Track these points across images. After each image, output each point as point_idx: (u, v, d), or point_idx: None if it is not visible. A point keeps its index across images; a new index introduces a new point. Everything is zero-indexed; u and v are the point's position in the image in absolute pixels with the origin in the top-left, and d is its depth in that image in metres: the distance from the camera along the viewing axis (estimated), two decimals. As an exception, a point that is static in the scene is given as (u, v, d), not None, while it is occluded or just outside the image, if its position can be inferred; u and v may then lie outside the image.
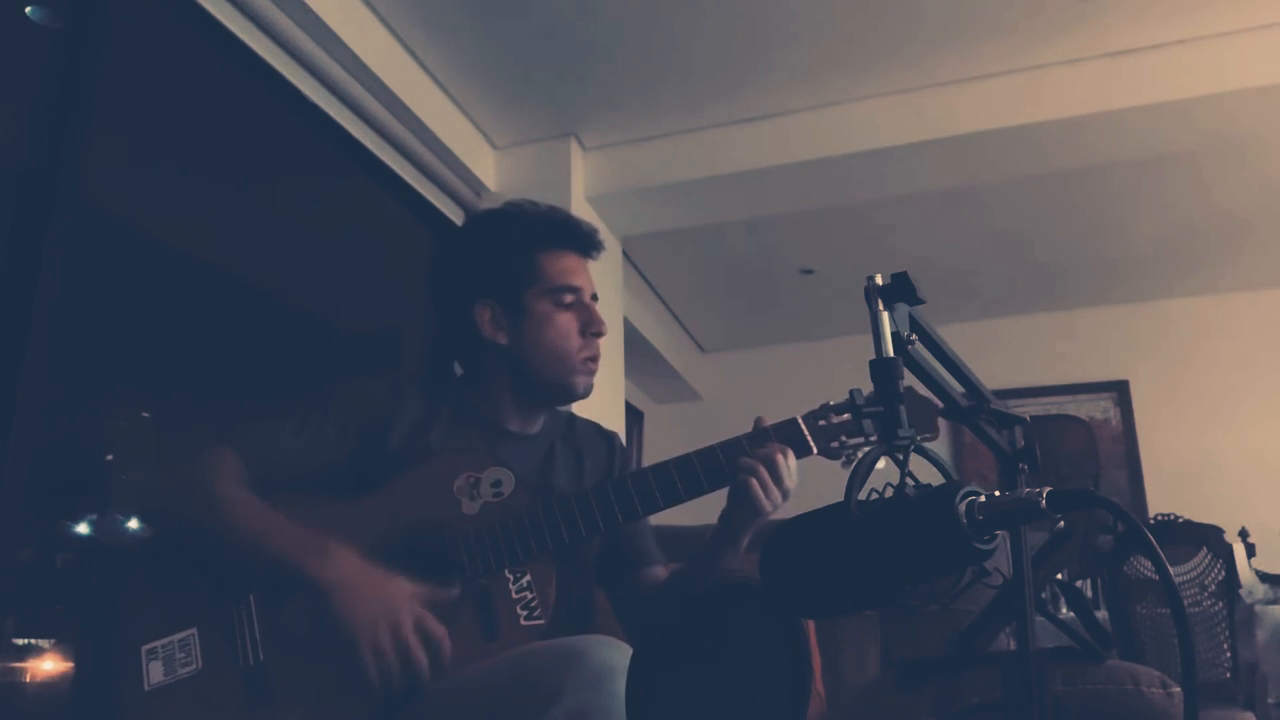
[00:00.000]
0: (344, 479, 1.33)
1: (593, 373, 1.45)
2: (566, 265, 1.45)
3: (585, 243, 1.48)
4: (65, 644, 2.03)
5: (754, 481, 1.27)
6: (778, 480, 1.28)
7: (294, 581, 1.20)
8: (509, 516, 1.28)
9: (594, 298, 1.48)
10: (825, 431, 1.33)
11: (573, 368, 1.43)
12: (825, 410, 1.34)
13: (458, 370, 1.55)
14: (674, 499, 1.30)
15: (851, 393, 1.30)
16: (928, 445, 1.00)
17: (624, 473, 1.50)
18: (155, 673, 1.19)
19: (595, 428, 1.60)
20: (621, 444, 1.60)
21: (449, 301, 1.49)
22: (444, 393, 1.47)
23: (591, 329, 1.44)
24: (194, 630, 1.22)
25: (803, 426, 1.33)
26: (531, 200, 1.52)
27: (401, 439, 1.37)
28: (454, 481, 1.31)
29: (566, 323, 1.43)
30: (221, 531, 1.23)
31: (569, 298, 1.43)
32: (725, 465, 1.30)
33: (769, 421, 1.34)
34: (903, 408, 0.81)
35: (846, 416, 1.32)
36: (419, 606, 1.19)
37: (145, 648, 1.20)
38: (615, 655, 1.06)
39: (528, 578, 1.26)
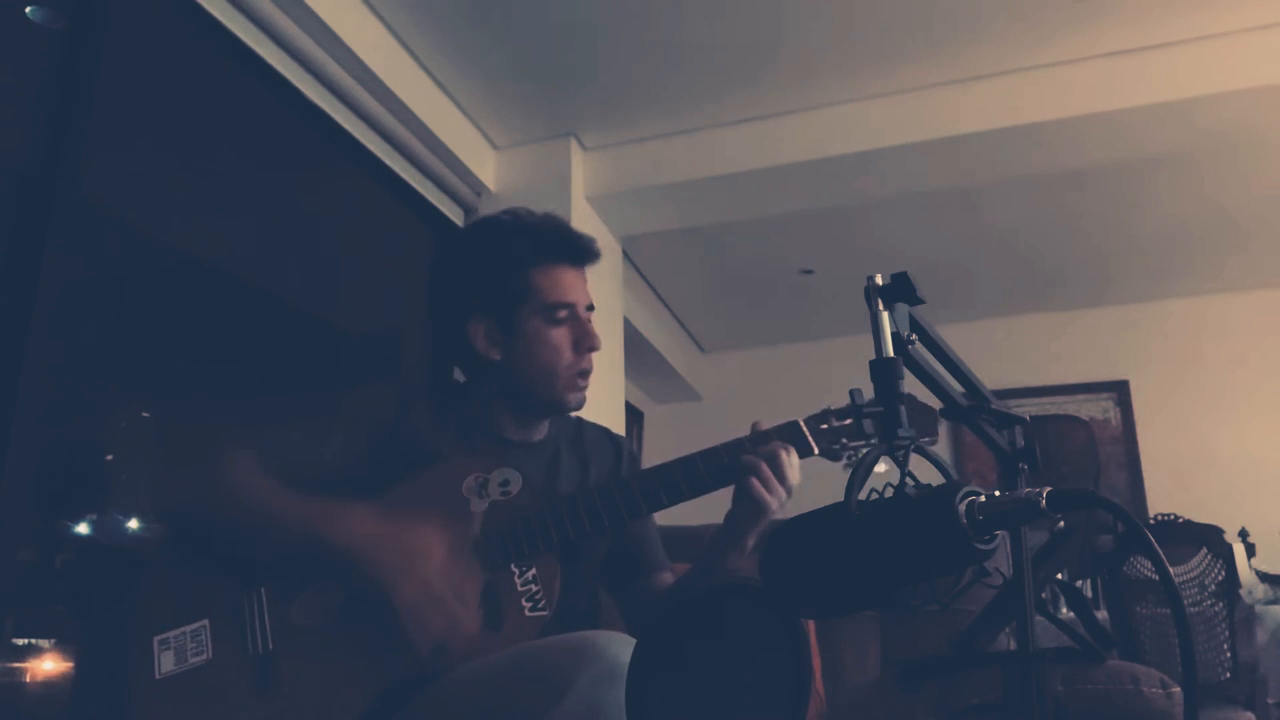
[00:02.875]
0: (355, 484, 1.34)
1: (583, 388, 1.45)
2: (560, 280, 1.44)
3: (580, 254, 1.47)
4: (65, 644, 2.03)
5: (754, 481, 1.28)
6: (780, 476, 1.28)
7: (313, 551, 1.21)
8: (516, 514, 1.30)
9: (590, 308, 1.48)
10: (827, 434, 1.34)
11: (564, 384, 1.43)
12: (827, 414, 1.35)
13: (458, 375, 1.56)
14: (677, 496, 1.31)
15: (851, 393, 1.31)
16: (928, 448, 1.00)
17: (631, 474, 1.50)
18: (166, 662, 1.21)
19: (604, 433, 1.60)
20: (631, 448, 1.60)
21: (444, 315, 1.50)
22: (448, 400, 1.49)
23: (585, 344, 1.44)
24: (205, 621, 1.24)
25: (804, 429, 1.34)
26: (528, 209, 1.51)
27: (409, 444, 1.39)
28: (462, 481, 1.33)
29: (559, 339, 1.42)
30: (237, 514, 1.25)
31: (562, 313, 1.43)
32: (729, 464, 1.31)
33: (765, 425, 1.35)
34: (903, 408, 0.81)
35: (849, 420, 1.33)
36: (444, 558, 1.20)
37: (157, 638, 1.22)
38: (627, 651, 1.07)
39: (533, 571, 1.29)
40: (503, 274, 1.44)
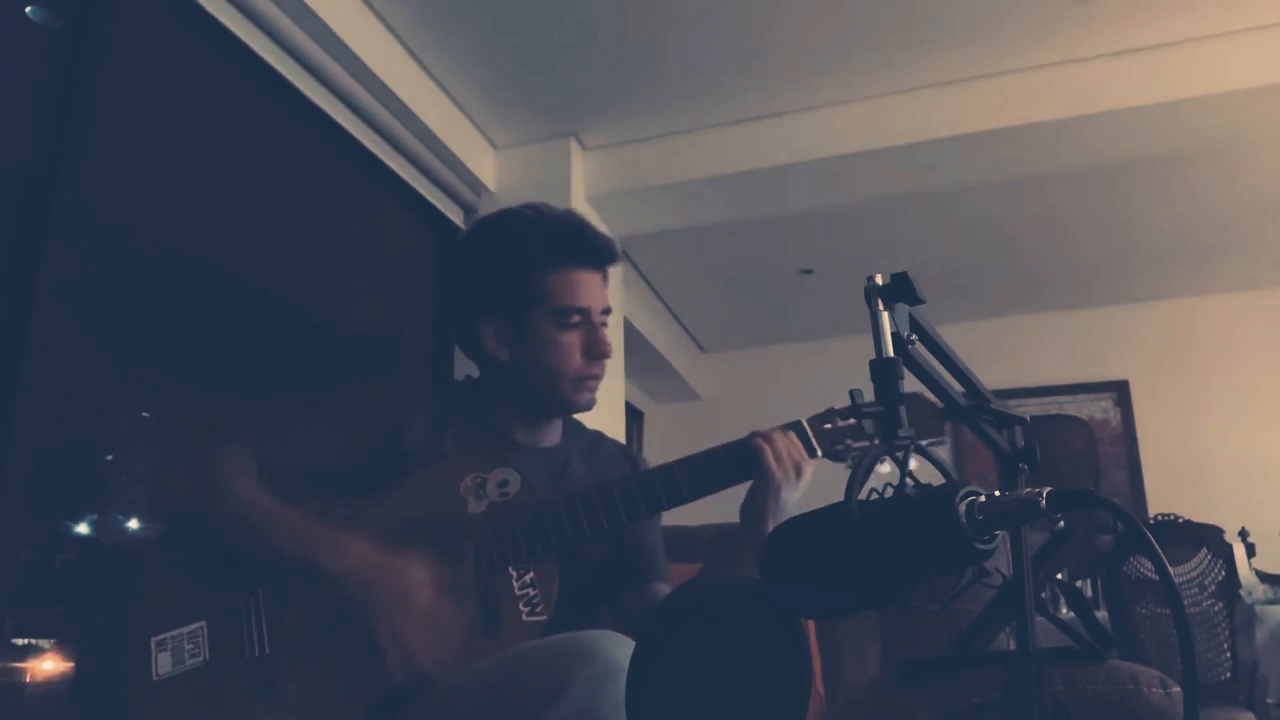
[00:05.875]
0: (354, 481, 1.33)
1: (592, 390, 1.43)
2: (575, 284, 1.40)
3: (598, 255, 1.43)
4: (65, 644, 2.03)
5: (767, 448, 1.28)
6: (790, 450, 1.29)
7: (306, 574, 1.21)
8: (514, 516, 1.29)
9: (606, 312, 1.45)
10: (830, 435, 1.33)
11: (571, 387, 1.41)
12: (830, 414, 1.34)
13: (458, 374, 1.55)
14: (677, 498, 1.30)
15: (852, 393, 1.31)
16: (935, 449, 0.99)
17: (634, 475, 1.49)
18: (164, 663, 1.20)
19: (620, 450, 1.59)
20: (645, 466, 1.57)
21: (456, 313, 1.48)
22: (455, 400, 1.47)
23: (596, 351, 1.40)
24: (203, 623, 1.23)
25: (808, 429, 1.33)
26: (546, 205, 1.46)
27: (413, 444, 1.37)
28: (460, 481, 1.32)
29: (570, 344, 1.39)
30: (234, 525, 1.25)
31: (575, 319, 1.40)
32: (730, 462, 1.31)
33: (765, 428, 1.34)
34: (903, 408, 0.81)
35: (851, 421, 1.33)
36: (431, 592, 1.20)
37: (155, 639, 1.22)
38: (624, 652, 1.06)
39: (531, 574, 1.28)
40: (516, 274, 1.40)
